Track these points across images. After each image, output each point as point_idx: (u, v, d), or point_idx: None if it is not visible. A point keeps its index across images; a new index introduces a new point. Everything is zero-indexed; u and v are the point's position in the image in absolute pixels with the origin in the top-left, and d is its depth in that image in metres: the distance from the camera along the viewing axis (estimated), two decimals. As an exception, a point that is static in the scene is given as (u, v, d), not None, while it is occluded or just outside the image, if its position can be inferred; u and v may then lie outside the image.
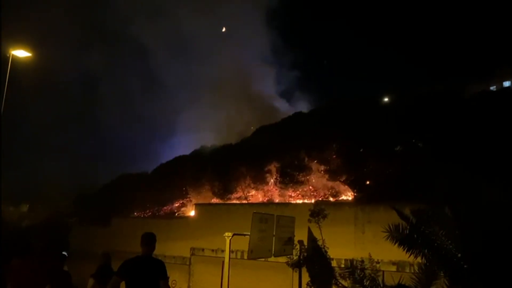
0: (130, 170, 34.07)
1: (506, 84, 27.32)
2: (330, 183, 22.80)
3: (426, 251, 6.95)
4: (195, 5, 53.36)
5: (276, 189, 24.53)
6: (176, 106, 49.17)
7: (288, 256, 14.99)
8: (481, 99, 20.86)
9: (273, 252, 13.42)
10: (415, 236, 6.97)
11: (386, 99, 27.06)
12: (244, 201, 24.68)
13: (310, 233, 16.43)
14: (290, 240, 14.70)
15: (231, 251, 13.39)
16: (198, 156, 30.62)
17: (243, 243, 12.45)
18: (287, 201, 23.21)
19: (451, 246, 7.08)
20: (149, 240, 6.78)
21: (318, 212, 14.96)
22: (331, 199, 22.27)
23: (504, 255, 6.42)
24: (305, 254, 15.43)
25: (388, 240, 7.45)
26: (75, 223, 28.87)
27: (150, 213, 28.29)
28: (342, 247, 16.24)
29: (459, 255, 7.00)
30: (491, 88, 27.26)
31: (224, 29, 51.59)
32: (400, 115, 20.97)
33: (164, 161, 32.78)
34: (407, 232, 7.09)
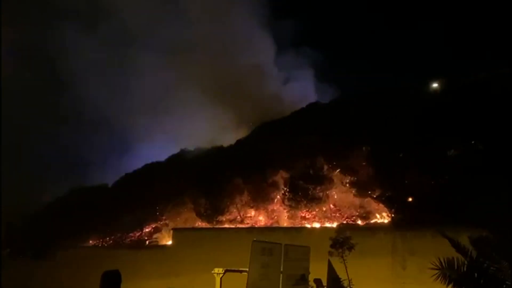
0: (84, 184, 34.08)
1: None
2: (358, 200, 22.84)
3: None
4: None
5: (284, 209, 24.55)
6: (145, 99, 48.28)
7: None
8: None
9: (281, 296, 13.44)
10: (476, 274, 6.96)
11: (434, 85, 26.93)
12: (240, 225, 24.75)
13: (331, 269, 16.43)
14: (304, 279, 14.70)
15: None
16: (177, 164, 30.61)
17: (239, 283, 12.46)
18: (299, 225, 23.27)
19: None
20: (113, 282, 6.75)
21: (342, 241, 14.96)
22: (359, 222, 22.31)
23: None
24: (324, 299, 15.44)
25: (439, 279, 7.44)
26: (7, 256, 28.82)
27: (111, 242, 28.29)
28: (376, 286, 16.30)
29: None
30: None
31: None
32: (454, 109, 20.95)
33: (130, 170, 32.82)
34: (465, 269, 7.08)
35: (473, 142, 20.36)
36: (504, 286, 7.08)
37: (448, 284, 7.42)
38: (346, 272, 14.91)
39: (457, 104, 21.23)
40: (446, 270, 7.42)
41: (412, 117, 21.92)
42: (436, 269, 7.52)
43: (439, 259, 7.60)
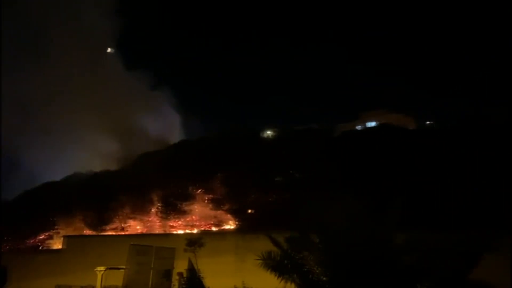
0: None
1: (369, 124, 31.65)
2: (213, 212, 23.04)
3: (295, 276, 7.45)
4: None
5: (157, 219, 23.82)
6: (43, 126, 42.53)
7: (167, 290, 14.51)
8: (349, 135, 23.71)
9: (151, 286, 12.93)
10: (286, 262, 7.43)
11: (268, 132, 28.85)
12: (121, 232, 23.39)
13: (190, 263, 16.20)
14: (168, 273, 14.31)
15: (104, 287, 12.54)
16: (70, 183, 28.24)
17: (120, 278, 11.78)
18: (169, 232, 22.68)
19: (318, 271, 7.71)
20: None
21: (194, 241, 14.93)
22: (214, 228, 22.44)
23: (365, 278, 7.21)
24: (185, 286, 15.12)
25: (266, 268, 7.76)
26: None
27: (7, 247, 24.82)
28: (223, 276, 16.32)
29: (325, 278, 7.66)
30: (357, 127, 31.33)
31: (109, 50, 48.60)
32: (280, 148, 22.58)
33: (29, 188, 29.38)
34: (279, 258, 7.51)
35: (291, 172, 21.91)
36: (305, 269, 7.60)
37: (268, 270, 7.67)
38: (196, 264, 14.74)
39: (282, 146, 22.85)
40: (267, 260, 7.69)
41: (254, 153, 23.02)
42: (260, 260, 7.74)
43: (262, 252, 7.84)
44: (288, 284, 7.86)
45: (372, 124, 30.28)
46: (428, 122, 31.22)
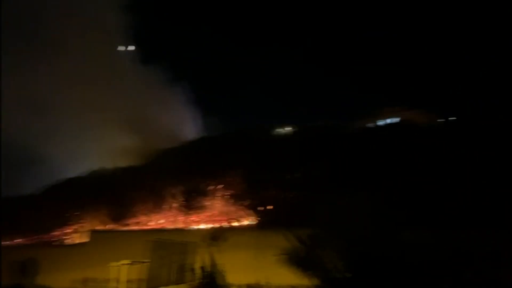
0: (14, 192, 30.38)
1: (388, 121, 31.31)
2: (234, 208, 23.21)
3: (319, 273, 7.50)
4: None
5: (179, 214, 24.12)
6: (73, 123, 43.41)
7: (190, 282, 14.74)
8: (367, 132, 23.49)
9: (173, 280, 13.14)
10: (310, 259, 7.49)
11: (288, 129, 28.80)
12: (145, 227, 23.79)
13: (211, 258, 16.39)
14: (191, 267, 14.50)
15: (128, 281, 12.81)
16: (95, 179, 28.82)
17: (141, 272, 12.00)
18: (190, 226, 22.95)
19: (341, 268, 7.72)
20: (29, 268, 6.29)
21: (218, 235, 15.10)
22: (234, 224, 22.59)
23: (387, 275, 7.20)
24: (207, 280, 15.31)
25: (287, 263, 7.84)
26: None
27: (36, 240, 25.57)
28: (243, 272, 16.41)
29: (349, 276, 7.67)
30: (376, 123, 30.97)
31: (128, 47, 48.90)
32: (299, 145, 22.51)
33: (56, 182, 30.11)
34: (304, 254, 7.58)
35: (311, 168, 21.82)
36: (328, 266, 7.63)
37: (293, 265, 7.72)
38: (220, 259, 14.86)
39: (301, 142, 22.77)
40: (292, 256, 7.75)
41: (274, 149, 23.04)
42: (285, 255, 7.80)
43: (286, 248, 7.89)
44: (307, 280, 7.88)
45: (391, 120, 29.95)
46: (450, 119, 30.64)
